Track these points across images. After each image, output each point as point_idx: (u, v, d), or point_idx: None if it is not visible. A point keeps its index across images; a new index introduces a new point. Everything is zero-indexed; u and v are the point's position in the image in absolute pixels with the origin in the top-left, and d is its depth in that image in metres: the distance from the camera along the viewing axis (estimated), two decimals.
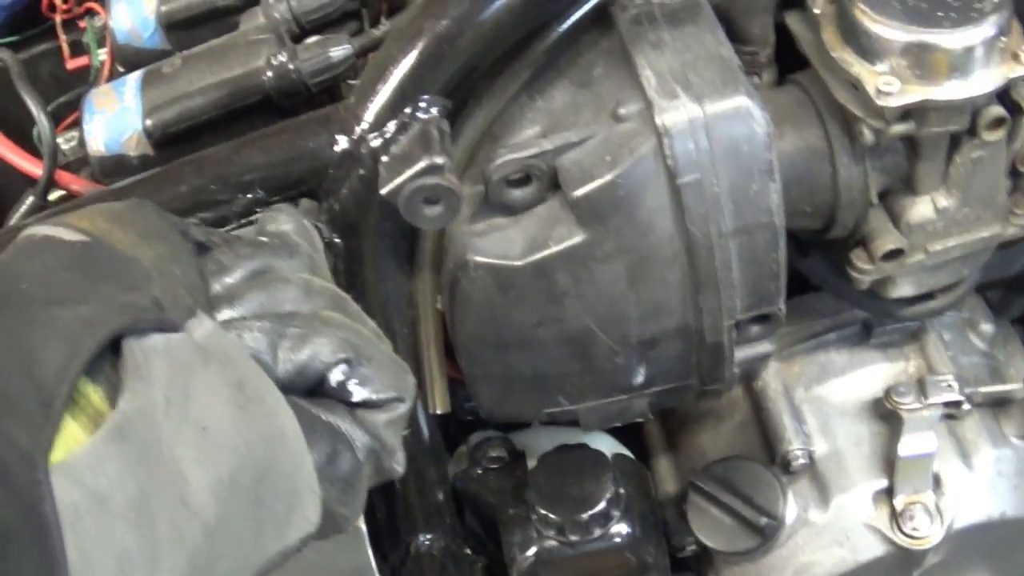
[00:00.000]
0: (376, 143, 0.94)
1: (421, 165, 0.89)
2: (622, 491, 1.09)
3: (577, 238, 0.93)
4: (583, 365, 1.00)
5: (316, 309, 0.77)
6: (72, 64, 1.21)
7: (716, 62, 0.93)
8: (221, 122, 1.05)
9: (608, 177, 0.91)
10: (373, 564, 1.07)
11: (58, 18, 1.22)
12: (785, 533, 1.11)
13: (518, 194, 0.95)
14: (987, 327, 1.21)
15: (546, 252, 0.94)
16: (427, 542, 1.10)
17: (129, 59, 1.14)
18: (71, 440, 0.59)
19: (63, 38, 1.22)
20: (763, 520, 1.08)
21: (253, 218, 0.96)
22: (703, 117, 0.90)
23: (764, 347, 1.02)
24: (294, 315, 0.74)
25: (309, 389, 0.73)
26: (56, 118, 1.13)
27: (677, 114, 0.90)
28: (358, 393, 0.74)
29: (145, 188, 0.98)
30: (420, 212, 0.90)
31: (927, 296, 1.10)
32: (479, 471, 1.15)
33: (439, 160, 0.89)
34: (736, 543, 1.09)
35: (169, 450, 0.62)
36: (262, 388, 0.69)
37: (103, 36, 1.16)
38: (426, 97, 0.94)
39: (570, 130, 0.95)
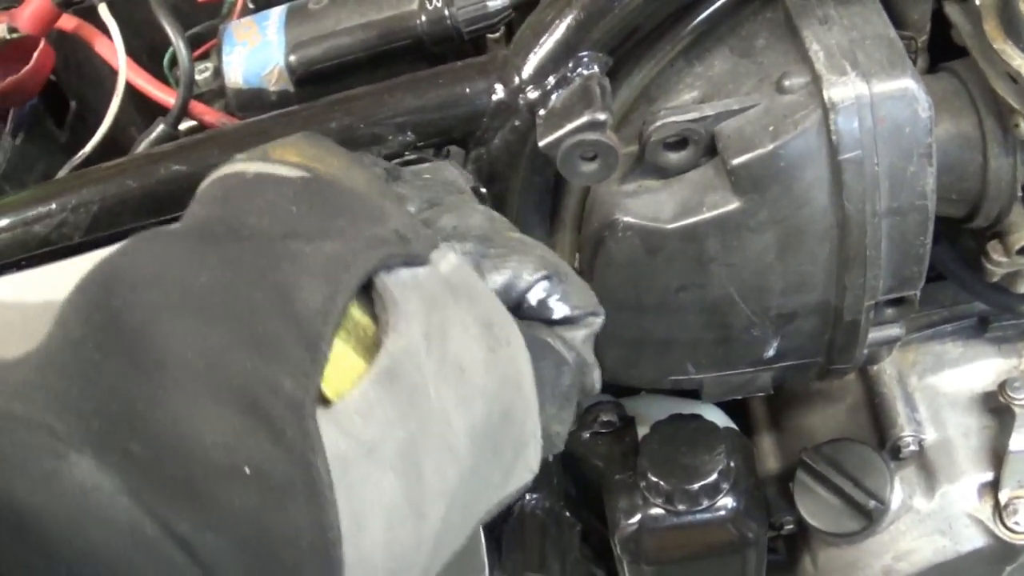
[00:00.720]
0: (534, 95, 0.94)
1: (583, 120, 0.89)
2: (733, 464, 1.09)
3: (732, 205, 0.93)
4: (718, 334, 1.00)
5: (501, 231, 0.76)
6: None
7: (884, 42, 0.93)
8: (366, 64, 1.04)
9: (769, 147, 0.91)
10: None
11: None
12: (888, 518, 1.11)
13: (673, 157, 0.95)
14: None
15: (698, 217, 0.94)
16: (532, 501, 1.10)
17: None
18: (342, 363, 0.56)
19: None
20: (871, 503, 1.09)
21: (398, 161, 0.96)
22: (869, 95, 0.90)
23: (895, 330, 1.02)
24: (488, 236, 0.73)
25: (510, 309, 0.71)
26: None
27: (845, 90, 0.90)
28: (559, 310, 0.73)
29: (292, 123, 0.97)
30: (577, 167, 0.90)
31: None
32: (588, 434, 1.15)
33: (601, 116, 0.89)
34: (841, 524, 1.10)
35: (435, 392, 0.60)
36: (508, 328, 0.67)
37: None
38: (588, 53, 0.93)
39: (731, 98, 0.95)
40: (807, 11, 0.96)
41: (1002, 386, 1.09)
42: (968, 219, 1.04)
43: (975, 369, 1.17)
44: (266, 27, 1.05)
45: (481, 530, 1.09)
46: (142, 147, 1.06)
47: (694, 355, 1.02)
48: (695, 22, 0.97)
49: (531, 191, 0.98)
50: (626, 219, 0.95)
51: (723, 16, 0.98)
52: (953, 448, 1.13)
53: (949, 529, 1.11)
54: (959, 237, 1.08)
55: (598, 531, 1.17)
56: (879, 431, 1.14)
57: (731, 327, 0.99)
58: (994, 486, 1.11)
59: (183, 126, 1.07)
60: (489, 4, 1.02)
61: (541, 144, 0.90)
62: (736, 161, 0.92)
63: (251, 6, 1.14)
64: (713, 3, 0.97)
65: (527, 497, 1.11)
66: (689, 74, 0.98)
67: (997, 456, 1.10)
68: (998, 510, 1.10)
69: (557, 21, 0.93)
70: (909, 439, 1.12)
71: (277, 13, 1.06)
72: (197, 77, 1.09)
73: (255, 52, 1.04)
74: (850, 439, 1.12)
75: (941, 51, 1.05)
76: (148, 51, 1.18)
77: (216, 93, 1.08)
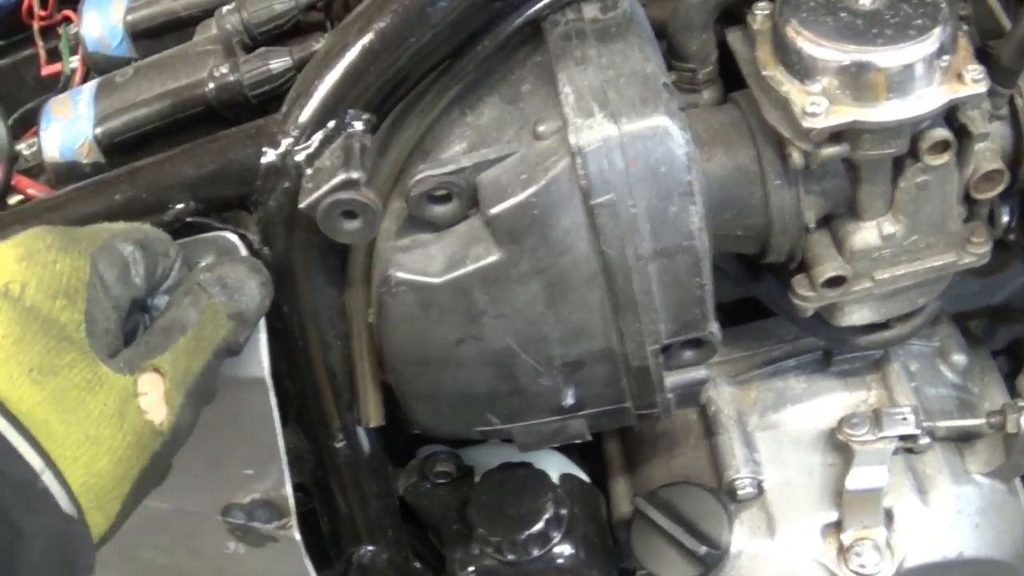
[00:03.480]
0: (301, 156, 0.93)
1: (338, 179, 0.89)
2: (563, 512, 1.06)
3: (493, 257, 0.91)
4: (508, 385, 0.98)
5: None
6: (47, 70, 1.23)
7: (639, 80, 0.90)
8: (168, 132, 1.05)
9: (522, 196, 0.89)
10: (312, 572, 1.08)
11: (36, 25, 1.25)
12: (730, 563, 1.07)
13: (439, 210, 0.94)
14: (960, 358, 1.15)
15: (464, 270, 0.92)
16: (369, 553, 1.10)
17: (100, 67, 1.15)
18: None
19: (40, 44, 1.25)
20: (703, 549, 1.05)
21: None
22: (619, 136, 0.87)
23: (698, 373, 0.98)
24: None
25: None
26: (27, 123, 1.15)
27: (591, 133, 0.88)
28: None
29: (84, 196, 1.00)
30: (338, 226, 0.90)
31: (883, 325, 1.05)
32: (428, 485, 1.14)
33: (355, 175, 0.88)
34: (677, 571, 1.06)
35: None
36: None
37: (77, 44, 1.18)
38: (350, 111, 0.93)
39: (493, 146, 0.93)
40: (566, 53, 0.93)
41: (840, 423, 1.04)
42: (763, 255, 1.00)
43: (819, 405, 1.11)
44: (78, 101, 1.07)
45: None
46: None
47: (492, 406, 1.00)
48: (462, 71, 0.95)
49: (312, 250, 0.98)
50: (398, 274, 0.94)
51: (494, 63, 0.97)
52: (794, 488, 1.08)
53: (791, 573, 1.06)
54: (781, 271, 1.04)
55: None
56: (717, 473, 1.10)
57: (518, 377, 0.97)
58: (838, 527, 1.06)
59: (13, 200, 1.11)
60: (272, 67, 1.02)
61: (301, 205, 0.90)
62: (492, 211, 0.90)
63: (94, 75, 1.17)
64: (479, 52, 0.95)
65: (362, 550, 1.10)
66: (461, 124, 0.97)
67: (840, 496, 1.05)
68: (842, 552, 1.05)
69: (317, 82, 0.94)
70: (746, 481, 1.07)
71: (89, 87, 1.08)
72: (26, 152, 1.12)
73: (68, 126, 1.07)
74: (687, 483, 1.08)
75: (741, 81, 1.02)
76: None
77: (42, 167, 1.11)
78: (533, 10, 0.96)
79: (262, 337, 0.97)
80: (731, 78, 1.03)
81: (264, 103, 1.04)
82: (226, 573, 1.12)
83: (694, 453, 1.13)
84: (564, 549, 1.07)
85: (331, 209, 0.89)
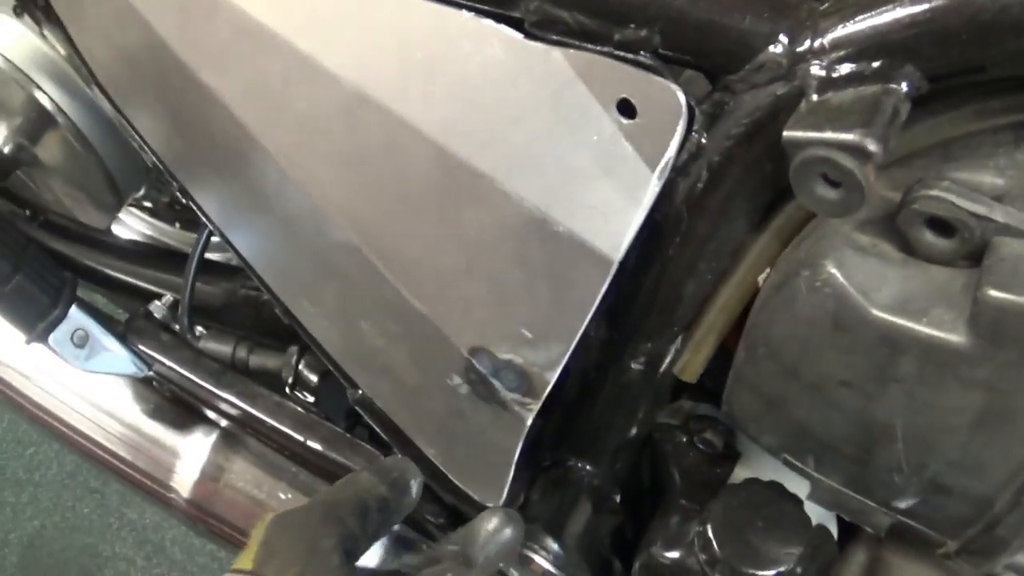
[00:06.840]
0: (816, 72, 0.71)
1: (847, 137, 0.67)
2: (800, 571, 0.89)
3: (956, 338, 0.70)
4: (857, 454, 0.80)
5: None
6: None
7: None
8: None
9: None
10: (516, 455, 0.92)
11: None
12: None
13: (928, 238, 0.72)
14: None
15: (912, 324, 0.71)
16: (580, 469, 0.94)
17: None
18: None
19: None
20: None
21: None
22: None
23: None
24: None
25: None
26: None
27: None
28: None
29: None
30: (809, 184, 0.70)
31: None
32: (683, 439, 0.96)
33: (871, 146, 0.66)
34: None
35: None
36: None
37: None
38: (907, 66, 0.70)
39: None
40: None
41: None
42: None
43: None
44: None
45: None
46: None
47: (820, 453, 0.82)
48: None
49: (753, 173, 0.77)
50: (834, 271, 0.73)
51: None
52: None
53: None
54: None
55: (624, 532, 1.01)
56: None
57: (875, 457, 0.79)
58: None
59: None
60: None
61: (785, 134, 0.69)
62: (993, 294, 0.69)
63: None
64: None
65: (577, 463, 0.94)
66: (1007, 156, 0.73)
67: None
68: None
69: (897, 6, 0.70)
70: None
71: None
72: None
73: None
74: None
75: None
76: None
77: None
78: None
79: (635, 220, 0.78)
80: None
81: None
82: (430, 397, 0.95)
83: None
84: None
85: (815, 163, 0.68)
